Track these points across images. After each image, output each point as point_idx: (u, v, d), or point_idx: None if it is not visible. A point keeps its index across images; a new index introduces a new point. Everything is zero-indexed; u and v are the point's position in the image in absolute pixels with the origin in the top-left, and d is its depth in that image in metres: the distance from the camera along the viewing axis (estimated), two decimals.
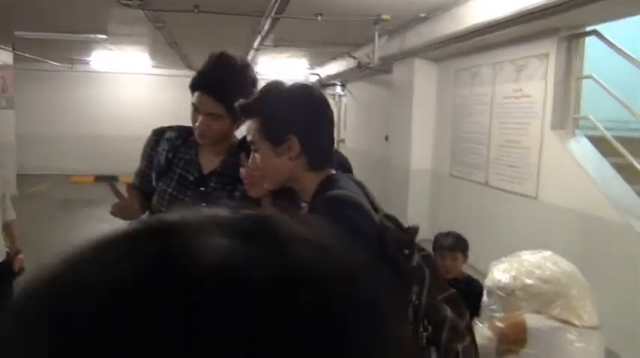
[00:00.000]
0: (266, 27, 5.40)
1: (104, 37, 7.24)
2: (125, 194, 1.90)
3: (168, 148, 2.00)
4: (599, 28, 4.05)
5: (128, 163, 12.17)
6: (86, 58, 10.84)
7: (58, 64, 11.22)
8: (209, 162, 1.99)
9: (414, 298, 1.30)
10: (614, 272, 3.43)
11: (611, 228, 3.61)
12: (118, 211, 1.87)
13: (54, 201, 9.76)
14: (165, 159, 1.99)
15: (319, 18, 5.32)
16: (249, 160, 1.52)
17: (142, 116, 12.87)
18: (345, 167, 3.48)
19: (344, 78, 10.09)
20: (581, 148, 4.13)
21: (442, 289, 1.41)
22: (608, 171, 3.92)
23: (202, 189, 1.97)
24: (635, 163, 3.65)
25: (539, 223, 4.22)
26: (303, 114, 1.43)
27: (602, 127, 4.00)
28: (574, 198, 3.97)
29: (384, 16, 5.36)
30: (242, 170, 1.80)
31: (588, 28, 4.14)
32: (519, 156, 4.63)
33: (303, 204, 1.86)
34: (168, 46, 8.10)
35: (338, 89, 11.63)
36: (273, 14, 4.65)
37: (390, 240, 1.32)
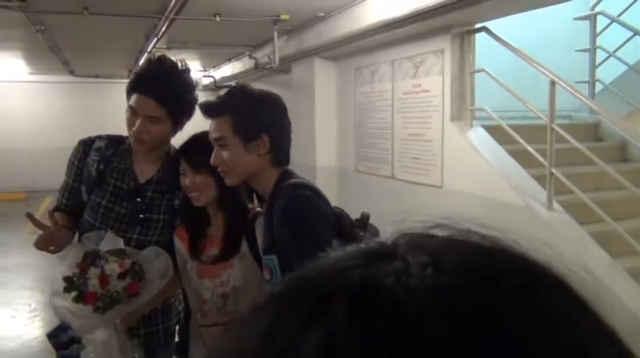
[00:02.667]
0: (163, 29, 5.19)
1: None
2: (48, 223, 1.75)
3: (99, 158, 1.89)
4: (488, 24, 4.34)
5: (9, 178, 11.32)
6: None
7: None
8: (144, 170, 1.91)
9: None
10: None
11: (513, 209, 3.88)
12: (43, 244, 1.71)
13: None
14: (97, 170, 1.88)
15: (217, 18, 5.22)
16: (213, 156, 1.59)
17: (21, 127, 11.90)
18: None
19: (240, 79, 9.98)
20: (479, 137, 4.41)
21: None
22: (505, 157, 4.22)
23: (138, 199, 1.87)
24: (529, 148, 3.96)
25: (447, 210, 4.44)
26: (274, 116, 1.60)
27: (496, 117, 4.29)
28: (477, 185, 4.23)
29: (283, 16, 5.38)
30: (185, 179, 1.75)
31: (478, 25, 4.42)
32: (423, 149, 4.85)
33: (251, 206, 1.83)
34: (48, 51, 7.53)
35: None
36: (172, 15, 4.48)
37: (346, 222, 1.54)
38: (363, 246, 0.33)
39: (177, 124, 1.88)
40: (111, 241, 1.76)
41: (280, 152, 1.60)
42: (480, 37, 4.48)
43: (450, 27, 4.46)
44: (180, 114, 1.86)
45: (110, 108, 10.96)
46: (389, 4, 4.53)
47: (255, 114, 1.56)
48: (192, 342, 1.88)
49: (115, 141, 1.95)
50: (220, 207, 1.79)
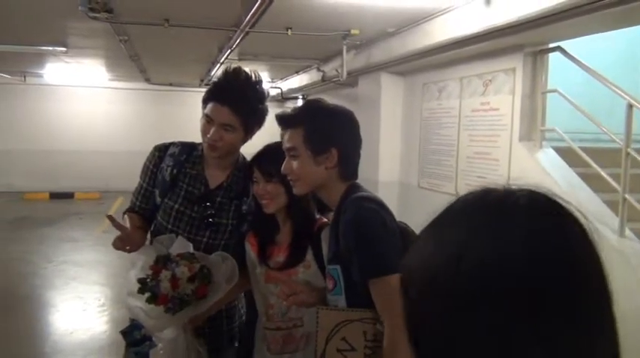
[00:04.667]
0: (237, 41, 5.39)
1: (64, 49, 7.05)
2: (127, 224, 1.86)
3: (173, 164, 1.99)
4: (563, 44, 4.24)
5: (85, 179, 11.93)
6: (39, 71, 10.50)
7: (10, 76, 10.84)
8: (215, 176, 2.00)
9: None
10: None
11: None
12: (121, 244, 1.83)
13: (7, 219, 9.36)
14: (170, 175, 1.98)
15: (289, 32, 5.36)
16: (283, 165, 1.65)
17: (98, 130, 12.55)
18: None
19: (306, 91, 10.14)
20: (549, 159, 4.30)
21: None
22: (575, 180, 4.09)
23: (208, 204, 1.96)
24: (601, 172, 3.82)
25: None
26: (345, 131, 1.65)
27: (567, 139, 4.17)
28: None
29: (354, 31, 5.45)
30: (257, 187, 1.82)
31: (552, 44, 4.32)
32: (488, 168, 4.77)
33: (318, 216, 1.88)
34: (128, 59, 7.95)
35: (299, 102, 11.70)
36: (247, 28, 4.65)
37: (411, 237, 1.54)
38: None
39: (248, 133, 1.97)
40: (181, 245, 1.86)
41: (348, 166, 1.64)
42: (554, 57, 4.38)
43: (523, 46, 4.39)
44: (252, 123, 1.95)
45: (182, 116, 11.44)
46: (460, 21, 4.51)
47: (326, 128, 1.61)
48: (256, 345, 1.93)
49: (188, 147, 2.04)
50: (289, 215, 1.85)
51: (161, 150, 2.04)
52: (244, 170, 2.02)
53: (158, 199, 1.99)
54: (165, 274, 1.74)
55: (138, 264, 1.83)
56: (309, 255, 1.80)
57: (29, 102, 12.03)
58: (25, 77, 11.14)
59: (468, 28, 4.39)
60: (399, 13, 4.77)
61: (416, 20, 5.02)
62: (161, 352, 1.84)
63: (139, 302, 1.77)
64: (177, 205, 1.96)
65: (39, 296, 5.58)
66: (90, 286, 5.76)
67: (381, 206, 1.55)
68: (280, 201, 1.82)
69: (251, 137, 2.01)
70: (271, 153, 1.86)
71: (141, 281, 1.76)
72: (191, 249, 1.86)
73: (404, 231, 1.59)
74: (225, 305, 2.03)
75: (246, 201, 2.00)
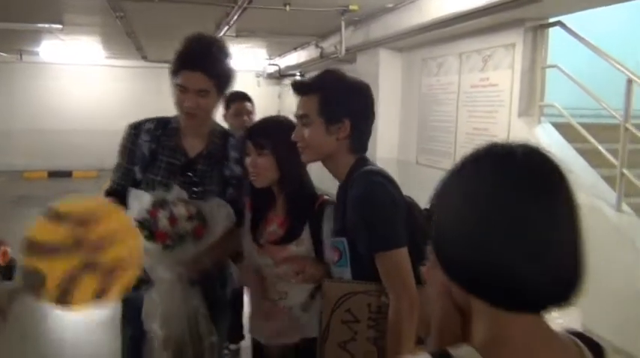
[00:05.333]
0: (235, 17, 5.34)
1: (59, 26, 6.97)
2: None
3: (150, 139, 2.01)
4: (563, 18, 4.21)
5: (83, 158, 11.94)
6: (35, 49, 10.41)
7: (6, 54, 10.74)
8: (193, 146, 2.02)
9: None
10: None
11: (579, 209, 3.78)
12: None
13: (7, 197, 9.37)
14: (149, 149, 2.00)
15: (287, 8, 5.31)
16: (295, 132, 1.65)
17: (95, 108, 12.48)
18: None
19: (304, 68, 10.08)
20: (547, 134, 4.31)
21: None
22: (573, 156, 4.11)
23: (189, 173, 1.98)
24: (600, 147, 3.84)
25: None
26: (360, 104, 1.63)
27: (567, 114, 4.18)
28: None
29: (352, 7, 5.41)
30: (247, 160, 1.81)
31: (552, 19, 4.30)
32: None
33: (320, 194, 1.87)
34: (124, 36, 7.87)
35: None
36: (245, 4, 4.61)
37: (416, 211, 1.57)
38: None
39: (221, 95, 1.98)
40: (177, 193, 1.87)
41: (359, 139, 1.63)
42: (554, 32, 4.36)
43: (523, 20, 4.37)
44: (224, 84, 1.96)
45: None
46: None
47: (341, 98, 1.59)
48: (252, 316, 1.95)
49: (163, 121, 2.05)
50: (281, 189, 1.84)
51: (136, 128, 2.04)
52: (221, 136, 2.05)
53: (139, 175, 2.00)
54: (163, 213, 1.77)
55: (133, 207, 1.82)
56: (306, 232, 1.78)
57: (26, 80, 11.93)
58: (21, 55, 11.04)
59: (467, 3, 4.36)
60: None
61: None
62: (153, 295, 1.84)
63: None
64: (160, 177, 1.97)
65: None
66: None
67: (389, 180, 1.56)
68: (270, 175, 1.80)
69: (223, 99, 2.02)
70: (264, 126, 1.86)
71: (138, 220, 1.76)
72: (185, 196, 1.88)
73: (410, 205, 1.61)
74: (217, 271, 2.04)
75: (227, 164, 2.02)
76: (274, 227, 1.83)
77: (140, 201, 1.84)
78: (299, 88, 1.65)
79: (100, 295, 1.42)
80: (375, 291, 1.50)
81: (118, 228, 1.50)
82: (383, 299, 1.47)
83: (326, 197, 1.85)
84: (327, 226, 1.74)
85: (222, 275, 2.13)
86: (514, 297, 0.73)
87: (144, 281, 1.85)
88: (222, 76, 1.94)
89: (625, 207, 3.69)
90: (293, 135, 1.65)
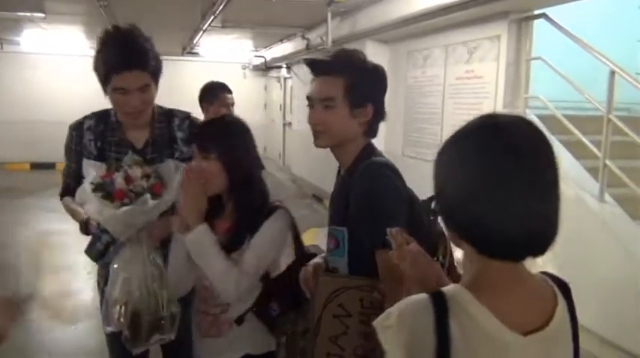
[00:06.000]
0: (220, 7, 5.30)
1: (42, 15, 6.87)
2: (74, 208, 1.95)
3: (95, 137, 1.99)
4: (548, 10, 4.24)
5: (60, 149, 11.48)
6: (16, 38, 10.23)
7: None
8: (138, 137, 2.00)
9: (440, 257, 1.45)
10: (568, 242, 3.66)
11: (562, 199, 3.82)
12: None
13: None
14: (96, 147, 1.98)
15: None
16: (313, 114, 1.55)
17: (78, 99, 12.31)
18: None
19: (290, 60, 10.05)
20: None
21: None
22: (556, 147, 4.13)
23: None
24: (584, 139, 3.88)
25: None
26: (381, 87, 1.58)
27: (551, 106, 4.22)
28: None
29: None
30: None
31: (537, 11, 4.33)
32: None
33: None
34: (109, 26, 7.77)
35: (283, 71, 11.57)
36: None
37: (418, 205, 1.52)
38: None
39: (157, 83, 1.94)
40: (131, 159, 1.85)
41: (376, 124, 1.59)
42: (538, 24, 4.39)
43: (508, 12, 4.39)
44: (159, 71, 1.93)
45: (163, 84, 11.23)
46: None
47: (367, 82, 1.53)
48: (193, 326, 1.84)
49: (102, 116, 2.02)
50: (230, 197, 1.70)
51: (77, 128, 2.02)
52: (164, 119, 2.02)
53: None
54: (118, 174, 1.74)
55: (90, 175, 1.80)
56: (248, 243, 1.67)
57: (6, 70, 11.74)
58: (2, 45, 10.86)
59: None
60: None
61: None
62: (115, 266, 1.81)
63: (94, 205, 1.74)
64: None
65: (23, 265, 5.56)
66: (76, 256, 5.74)
67: (394, 173, 1.51)
68: (217, 182, 1.66)
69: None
70: (211, 128, 1.74)
71: (94, 183, 1.74)
72: (140, 159, 1.85)
73: (410, 196, 1.56)
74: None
75: (177, 147, 2.00)
76: (218, 235, 1.69)
77: (95, 168, 1.82)
78: (320, 66, 1.56)
79: None
80: (368, 286, 1.47)
81: None
82: (375, 295, 1.45)
83: (276, 203, 1.74)
84: (271, 225, 1.66)
85: None
86: (497, 248, 0.89)
87: (109, 245, 1.83)
88: (156, 65, 1.90)
89: (607, 197, 3.74)
90: (312, 118, 1.55)
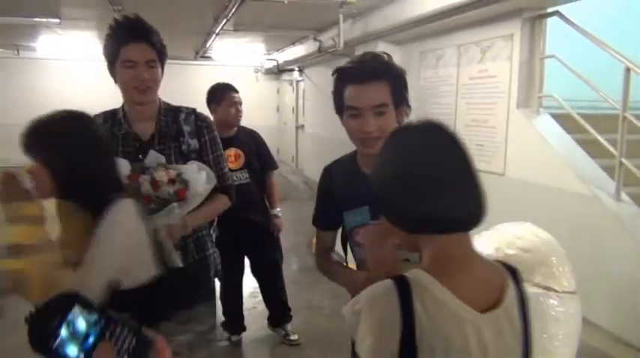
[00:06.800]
0: (233, 10, 5.33)
1: (57, 21, 6.95)
2: None
3: None
4: (561, 8, 4.21)
5: None
6: (32, 44, 10.37)
7: (2, 49, 10.71)
8: (144, 129, 2.02)
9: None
10: (584, 240, 3.63)
11: (578, 199, 3.80)
12: None
13: None
14: None
15: (285, 1, 5.30)
16: (371, 123, 1.53)
17: (92, 104, 12.41)
18: (257, 140, 3.70)
19: (302, 63, 10.06)
20: (546, 125, 4.31)
21: None
22: (572, 146, 4.12)
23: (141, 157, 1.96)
24: (599, 137, 3.84)
25: (509, 198, 4.39)
26: (407, 87, 1.64)
27: (566, 105, 4.18)
28: (541, 173, 4.15)
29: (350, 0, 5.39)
30: None
31: (550, 9, 4.29)
32: (486, 135, 4.79)
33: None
34: None
35: (295, 74, 11.59)
36: None
37: None
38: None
39: (163, 69, 1.99)
40: (154, 157, 1.87)
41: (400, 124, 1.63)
42: (552, 22, 4.35)
43: (521, 11, 4.36)
44: (164, 55, 1.99)
45: (175, 88, 11.27)
46: None
47: (403, 83, 1.60)
48: None
49: (109, 114, 2.08)
50: (60, 210, 1.50)
51: None
52: (171, 113, 2.05)
53: None
54: (144, 178, 1.77)
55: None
56: None
57: (23, 75, 11.89)
58: (18, 51, 11.00)
59: None
60: None
61: None
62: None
63: None
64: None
65: None
66: None
67: None
68: (45, 189, 1.47)
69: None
70: (35, 129, 1.53)
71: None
72: (163, 161, 1.88)
73: None
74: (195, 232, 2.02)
75: (184, 140, 2.02)
76: None
77: (120, 166, 1.82)
78: (369, 72, 1.54)
79: None
80: None
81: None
82: None
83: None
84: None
85: (198, 241, 2.10)
86: (446, 223, 1.04)
87: None
88: (162, 47, 1.96)
89: (624, 196, 3.70)
90: (371, 127, 1.52)
